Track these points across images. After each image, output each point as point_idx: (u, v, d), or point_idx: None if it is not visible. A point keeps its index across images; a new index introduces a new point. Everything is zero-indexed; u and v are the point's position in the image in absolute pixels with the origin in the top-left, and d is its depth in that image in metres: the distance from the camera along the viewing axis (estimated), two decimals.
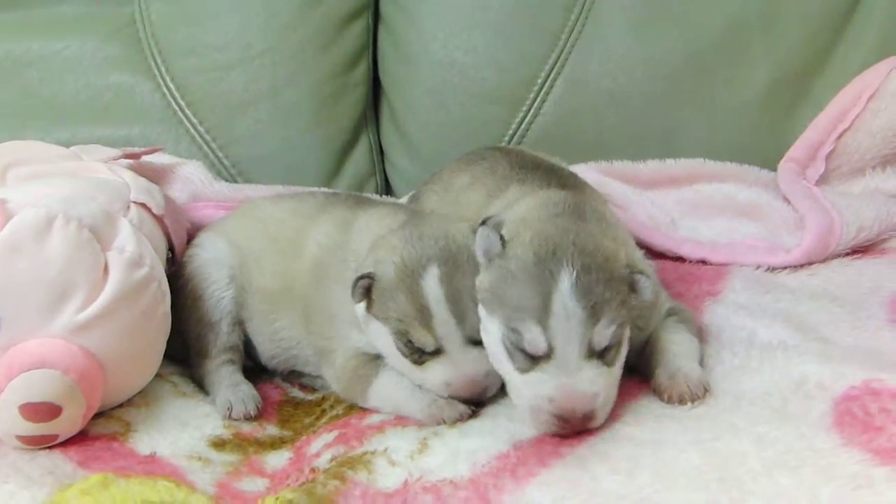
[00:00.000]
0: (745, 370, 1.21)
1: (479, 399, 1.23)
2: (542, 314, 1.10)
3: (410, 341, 1.22)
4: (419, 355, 1.23)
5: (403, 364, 1.25)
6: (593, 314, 1.09)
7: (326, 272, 1.35)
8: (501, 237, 1.16)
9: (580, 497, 1.01)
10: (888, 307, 1.38)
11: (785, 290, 1.47)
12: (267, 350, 1.44)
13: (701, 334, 1.31)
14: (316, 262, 1.37)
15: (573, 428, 1.10)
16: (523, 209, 1.25)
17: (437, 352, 1.22)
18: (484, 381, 1.23)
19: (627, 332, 1.16)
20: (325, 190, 1.70)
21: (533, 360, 1.11)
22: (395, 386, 1.27)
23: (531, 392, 1.12)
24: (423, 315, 1.20)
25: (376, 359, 1.30)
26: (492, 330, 1.16)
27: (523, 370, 1.12)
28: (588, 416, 1.10)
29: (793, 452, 1.02)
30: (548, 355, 1.10)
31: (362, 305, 1.25)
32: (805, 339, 1.27)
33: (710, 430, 1.08)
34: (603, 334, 1.10)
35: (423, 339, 1.21)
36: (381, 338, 1.25)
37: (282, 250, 1.41)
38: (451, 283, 1.20)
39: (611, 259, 1.13)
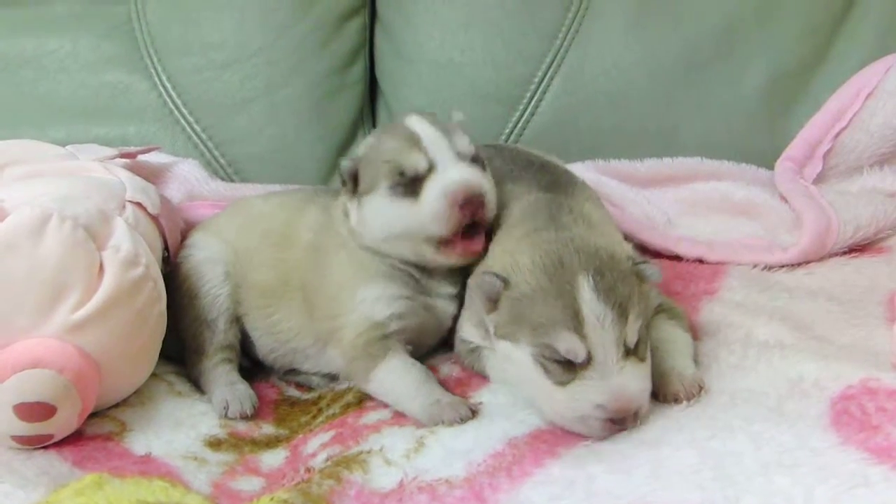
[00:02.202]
0: (742, 369, 1.21)
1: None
2: (575, 323, 1.10)
3: (403, 173, 1.29)
4: (413, 187, 1.30)
5: (397, 214, 1.31)
6: (622, 313, 1.11)
7: (324, 250, 1.37)
8: (497, 276, 1.16)
9: (576, 496, 1.01)
10: (885, 306, 1.38)
11: (782, 289, 1.47)
12: (265, 345, 1.44)
13: (693, 331, 1.31)
14: (311, 246, 1.39)
15: (623, 427, 1.10)
16: (505, 225, 1.28)
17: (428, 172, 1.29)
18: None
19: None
20: (315, 187, 1.71)
21: (572, 369, 1.11)
22: (400, 376, 1.27)
23: (579, 402, 1.11)
24: (413, 141, 1.31)
25: (386, 338, 1.30)
26: (519, 357, 1.16)
27: (564, 383, 1.12)
28: (637, 414, 1.11)
29: (789, 452, 1.02)
30: (586, 362, 1.11)
31: (353, 200, 1.34)
32: (802, 338, 1.27)
33: (706, 429, 1.08)
34: (633, 330, 1.12)
35: (416, 164, 1.29)
36: (379, 212, 1.32)
37: (274, 243, 1.42)
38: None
39: (614, 256, 1.15)
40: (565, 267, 1.13)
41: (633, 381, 1.11)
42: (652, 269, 1.18)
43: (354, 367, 1.32)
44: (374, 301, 1.31)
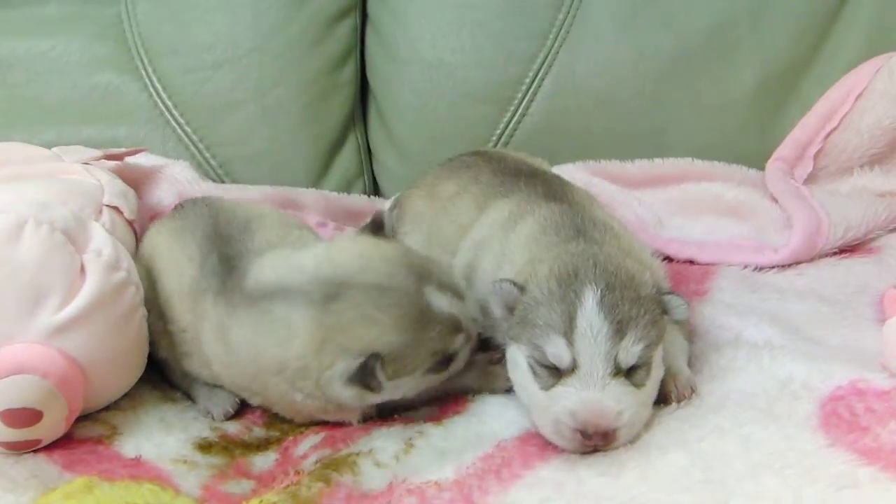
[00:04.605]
0: (732, 370, 1.21)
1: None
2: (567, 329, 1.10)
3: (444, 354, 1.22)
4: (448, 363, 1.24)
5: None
6: (618, 330, 1.09)
7: (247, 373, 1.27)
8: (515, 284, 1.16)
9: (565, 498, 1.01)
10: (875, 306, 1.38)
11: (772, 290, 1.47)
12: None
13: (691, 337, 1.30)
14: (224, 361, 1.28)
15: (594, 445, 1.08)
16: (524, 239, 1.27)
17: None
18: None
19: (660, 354, 1.15)
20: (208, 202, 1.49)
21: (557, 375, 1.11)
22: None
23: (553, 406, 1.10)
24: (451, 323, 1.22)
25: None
26: (518, 359, 1.16)
27: (547, 387, 1.12)
28: (609, 435, 1.08)
29: (778, 453, 1.02)
30: (571, 370, 1.10)
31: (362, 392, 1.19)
32: (792, 339, 1.27)
33: (696, 431, 1.08)
34: (629, 352, 1.10)
35: (454, 345, 1.22)
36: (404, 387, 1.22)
37: (181, 329, 1.33)
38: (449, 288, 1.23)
39: (636, 279, 1.14)
40: (578, 277, 1.12)
41: (613, 399, 1.08)
42: (677, 302, 1.16)
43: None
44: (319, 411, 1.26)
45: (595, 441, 1.07)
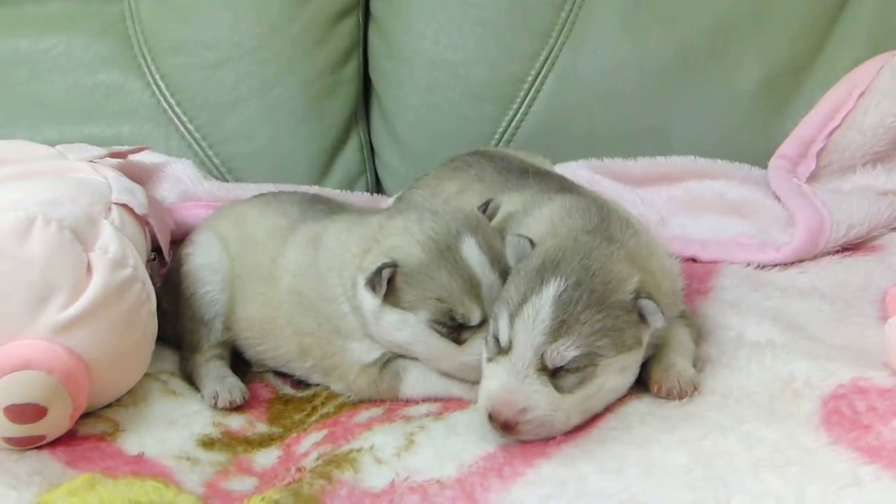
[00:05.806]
0: (733, 368, 1.21)
1: None
2: (515, 310, 1.11)
3: (453, 318, 1.21)
4: (460, 333, 1.22)
5: (436, 349, 1.23)
6: (557, 329, 1.09)
7: (306, 297, 1.34)
8: (531, 241, 1.17)
9: (567, 496, 1.01)
10: (877, 305, 1.39)
11: (774, 288, 1.47)
12: (259, 362, 1.45)
13: (699, 339, 1.30)
14: (292, 292, 1.36)
15: (496, 429, 1.10)
16: (546, 216, 1.27)
17: (481, 324, 1.21)
18: None
19: (618, 366, 1.13)
20: (308, 192, 1.67)
21: (498, 351, 1.12)
22: (425, 384, 1.28)
23: (484, 381, 1.13)
24: (472, 286, 1.20)
25: (387, 363, 1.29)
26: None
27: (489, 358, 1.14)
28: (509, 426, 1.09)
29: (780, 451, 1.02)
30: (507, 351, 1.11)
31: (375, 301, 1.23)
32: (794, 338, 1.27)
33: (698, 428, 1.08)
34: (560, 354, 1.09)
35: (471, 313, 1.20)
36: (403, 329, 1.24)
37: (261, 278, 1.40)
38: (490, 249, 1.22)
39: (611, 285, 1.12)
40: (557, 267, 1.12)
41: (522, 394, 1.09)
42: (652, 309, 1.12)
43: (374, 396, 1.31)
44: (363, 352, 1.30)
45: (495, 425, 1.09)
